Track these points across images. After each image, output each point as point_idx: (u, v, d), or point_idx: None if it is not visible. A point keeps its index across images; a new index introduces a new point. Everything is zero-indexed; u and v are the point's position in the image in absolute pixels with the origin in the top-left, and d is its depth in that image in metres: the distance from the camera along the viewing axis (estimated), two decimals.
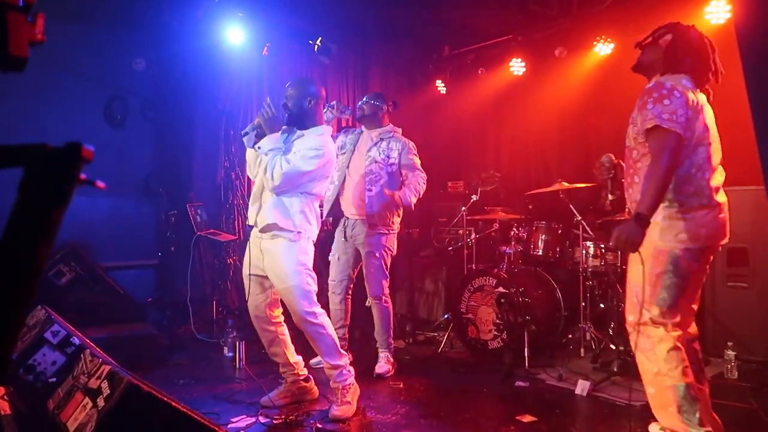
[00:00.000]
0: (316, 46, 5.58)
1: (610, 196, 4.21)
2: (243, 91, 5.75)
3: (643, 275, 2.37)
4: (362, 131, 4.15)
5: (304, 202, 3.06)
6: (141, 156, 5.34)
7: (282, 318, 3.29)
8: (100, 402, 1.77)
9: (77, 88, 4.94)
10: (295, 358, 3.35)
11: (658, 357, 2.42)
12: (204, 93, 5.48)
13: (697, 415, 2.38)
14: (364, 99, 4.23)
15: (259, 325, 3.25)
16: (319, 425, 2.93)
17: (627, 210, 2.78)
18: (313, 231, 3.12)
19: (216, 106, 5.60)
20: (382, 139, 4.01)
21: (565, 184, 4.26)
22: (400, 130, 4.20)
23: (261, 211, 3.08)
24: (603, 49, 5.39)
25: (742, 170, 4.25)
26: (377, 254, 3.87)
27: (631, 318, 2.54)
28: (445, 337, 4.56)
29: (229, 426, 2.90)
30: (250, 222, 3.20)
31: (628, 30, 5.26)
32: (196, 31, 5.11)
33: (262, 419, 3.01)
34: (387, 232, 3.94)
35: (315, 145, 3.02)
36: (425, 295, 5.48)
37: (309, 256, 3.09)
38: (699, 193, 2.46)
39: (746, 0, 1.36)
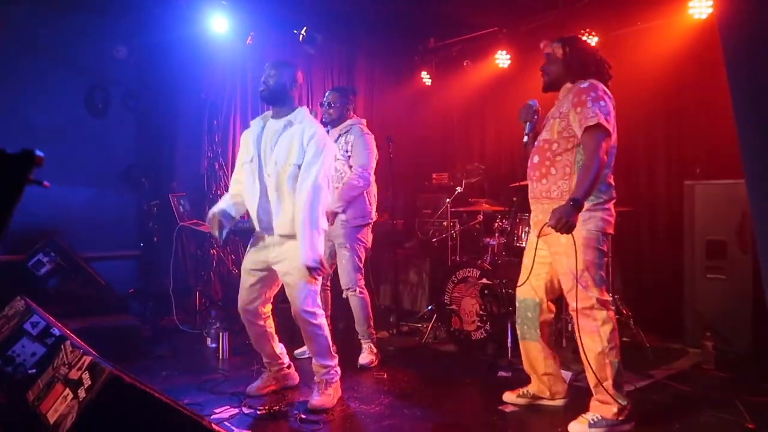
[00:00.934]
0: (301, 36, 5.54)
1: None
2: (227, 80, 5.69)
3: (579, 264, 2.64)
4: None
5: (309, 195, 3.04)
6: (122, 145, 5.27)
7: (269, 311, 3.28)
8: (81, 393, 1.75)
9: (58, 76, 4.85)
10: (279, 349, 3.36)
11: (602, 337, 2.68)
12: (187, 82, 5.42)
13: (624, 388, 2.76)
14: (329, 102, 3.97)
15: (247, 319, 3.23)
16: (303, 416, 2.93)
17: (530, 199, 2.95)
18: (324, 222, 3.09)
19: (199, 96, 5.54)
20: (340, 135, 3.95)
21: None
22: (363, 121, 4.06)
23: (273, 215, 3.02)
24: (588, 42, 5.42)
25: (721, 164, 4.32)
26: (348, 246, 3.86)
27: (575, 305, 2.72)
28: (429, 327, 4.58)
29: (212, 417, 2.89)
30: (259, 229, 3.12)
31: (612, 24, 5.31)
32: (180, 19, 5.04)
33: (245, 410, 3.01)
34: (359, 224, 3.91)
35: (318, 135, 2.99)
36: (409, 286, 5.50)
37: (320, 251, 3.07)
38: (610, 188, 2.78)
39: None
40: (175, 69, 5.30)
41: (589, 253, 2.68)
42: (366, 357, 3.88)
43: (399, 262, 5.44)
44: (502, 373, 3.65)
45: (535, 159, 2.85)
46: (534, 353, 3.03)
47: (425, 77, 6.80)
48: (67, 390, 1.85)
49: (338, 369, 3.20)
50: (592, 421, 2.71)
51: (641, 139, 5.26)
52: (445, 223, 5.30)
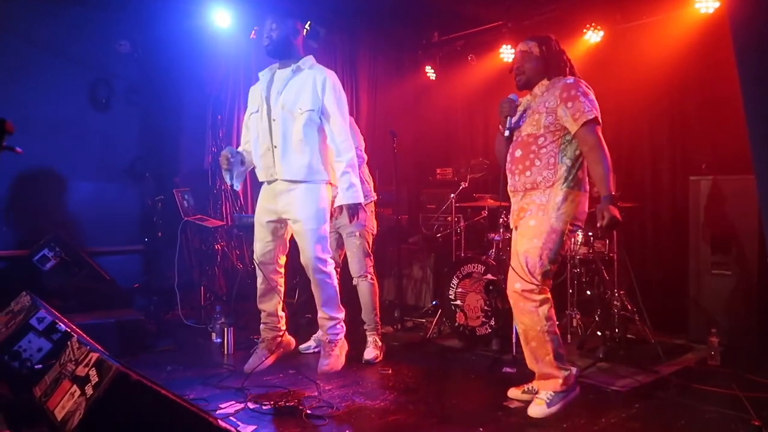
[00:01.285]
0: (305, 30, 5.52)
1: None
2: (230, 75, 5.68)
3: (535, 249, 2.75)
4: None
5: (322, 150, 3.10)
6: (126, 140, 5.27)
7: (283, 268, 3.31)
8: (89, 390, 1.75)
9: (61, 70, 4.85)
10: (281, 312, 3.38)
11: (541, 316, 2.77)
12: (190, 76, 5.41)
13: (565, 357, 2.87)
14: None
15: (262, 271, 3.28)
16: (309, 411, 2.93)
17: (509, 192, 2.98)
18: (333, 176, 3.18)
19: (203, 90, 5.53)
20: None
21: None
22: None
23: (279, 160, 3.08)
24: (593, 36, 5.40)
25: (726, 160, 4.30)
26: (358, 233, 3.88)
27: (518, 285, 2.80)
28: (434, 323, 4.58)
29: (217, 412, 2.89)
30: (264, 178, 3.19)
31: (617, 18, 5.28)
32: (183, 13, 5.03)
33: (251, 405, 3.01)
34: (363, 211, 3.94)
35: (331, 79, 3.12)
36: (414, 282, 5.49)
37: (328, 202, 3.16)
38: (585, 181, 2.85)
39: None
40: (179, 63, 5.28)
41: (549, 243, 2.75)
42: (371, 352, 3.88)
43: (403, 258, 5.44)
44: (506, 369, 3.65)
45: (518, 153, 2.89)
46: None
47: (429, 71, 6.77)
48: (75, 387, 1.86)
49: (343, 325, 3.22)
50: (548, 400, 2.79)
51: (646, 134, 5.24)
52: (449, 219, 5.29)
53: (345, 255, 4.03)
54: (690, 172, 4.55)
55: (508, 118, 2.93)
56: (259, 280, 3.32)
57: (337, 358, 3.11)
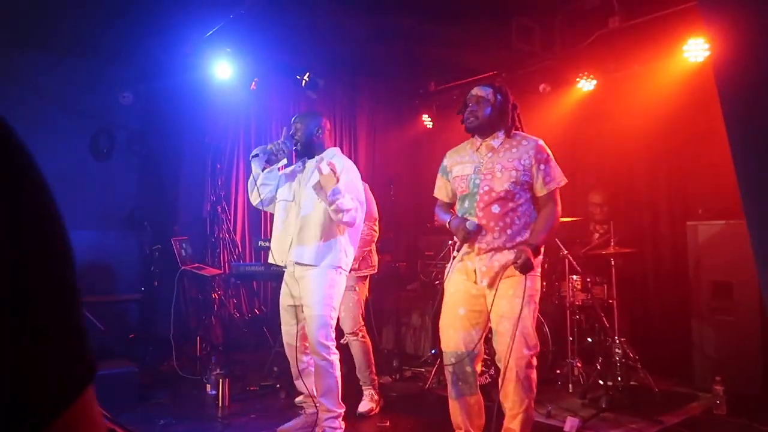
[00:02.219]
0: (304, 81, 5.63)
1: (599, 230, 4.28)
2: (230, 125, 5.77)
3: (533, 312, 2.72)
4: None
5: (338, 234, 3.12)
6: (126, 189, 5.30)
7: None
8: None
9: (63, 120, 4.93)
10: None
11: (533, 384, 2.74)
12: (191, 127, 5.50)
13: None
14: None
15: (291, 354, 3.29)
16: None
17: (479, 249, 2.80)
18: (348, 263, 3.19)
19: (203, 140, 5.61)
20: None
21: None
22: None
23: (294, 245, 3.12)
24: (585, 85, 5.50)
25: (723, 204, 4.31)
26: (355, 287, 3.86)
27: (526, 351, 2.70)
28: (433, 372, 4.49)
29: None
30: (279, 262, 3.21)
31: (609, 67, 5.39)
32: (184, 66, 5.15)
33: None
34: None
35: (347, 165, 3.15)
36: (412, 330, 5.42)
37: (338, 290, 3.14)
38: None
39: (724, 40, 1.40)
40: (180, 114, 5.38)
41: (533, 306, 2.74)
42: (366, 405, 3.79)
43: (402, 305, 5.38)
44: None
45: (495, 209, 2.76)
46: (476, 407, 2.89)
47: (426, 120, 6.88)
48: None
49: (342, 423, 3.14)
50: None
51: (643, 179, 5.27)
52: (447, 265, 5.25)
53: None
54: (688, 217, 4.55)
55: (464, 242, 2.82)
56: (291, 362, 3.31)
57: None
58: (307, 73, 5.66)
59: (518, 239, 2.74)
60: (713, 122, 4.41)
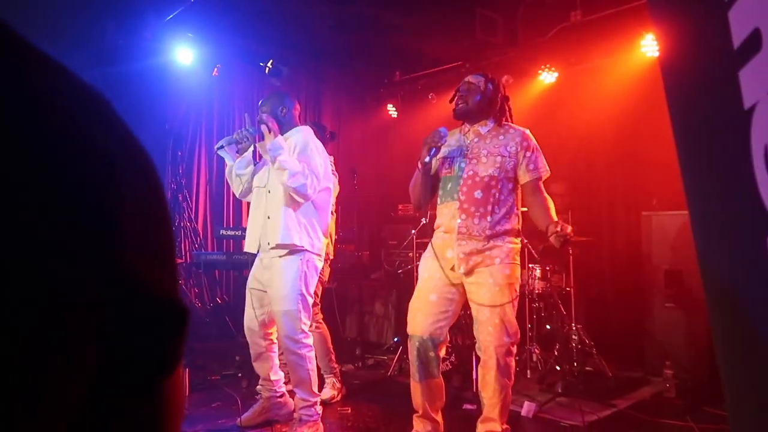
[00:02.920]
0: (267, 68, 5.57)
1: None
2: (192, 112, 5.68)
3: (513, 301, 2.73)
4: None
5: (307, 215, 3.08)
6: None
7: (275, 336, 3.25)
8: None
9: None
10: (276, 376, 3.32)
11: (511, 372, 2.76)
12: (151, 113, 5.37)
13: None
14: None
15: (250, 338, 3.25)
16: None
17: (459, 233, 2.81)
18: (317, 246, 3.14)
19: (163, 127, 5.50)
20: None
21: None
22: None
23: (264, 233, 3.08)
24: (547, 77, 5.60)
25: (679, 196, 4.46)
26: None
27: (507, 339, 2.70)
28: (395, 360, 4.54)
29: None
30: (251, 249, 3.17)
31: (571, 59, 5.49)
32: (144, 50, 5.03)
33: None
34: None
35: (306, 140, 3.09)
36: (375, 318, 5.46)
37: (309, 280, 3.08)
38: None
39: (670, 35, 1.45)
40: (139, 100, 5.24)
41: (513, 294, 2.76)
42: (327, 392, 3.82)
43: (365, 294, 5.41)
44: (467, 406, 3.63)
45: (478, 194, 2.76)
46: (436, 390, 2.90)
47: (391, 110, 6.89)
48: None
49: (320, 408, 3.15)
50: None
51: (601, 171, 5.40)
52: (410, 254, 5.30)
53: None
54: (643, 207, 4.69)
55: (433, 149, 2.80)
56: (250, 344, 3.29)
57: None
58: (271, 60, 5.60)
59: (498, 228, 2.73)
60: (668, 116, 4.55)
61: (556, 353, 4.13)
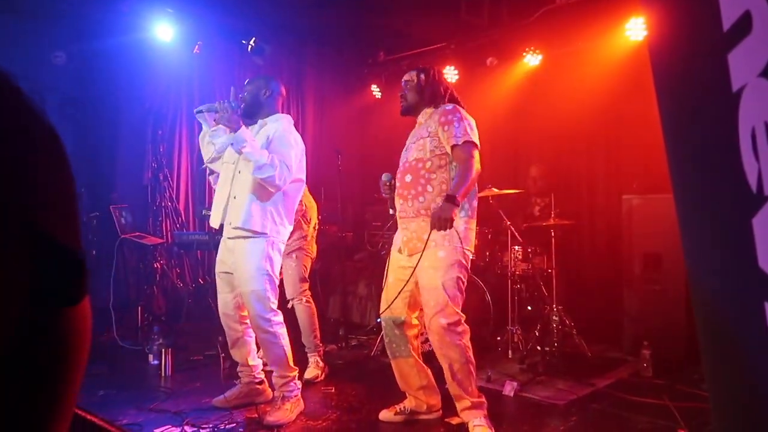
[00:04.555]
0: (250, 47, 5.49)
1: (539, 203, 4.41)
2: (172, 89, 5.57)
3: (452, 280, 2.76)
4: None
5: (274, 201, 3.05)
6: None
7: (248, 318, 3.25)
8: None
9: None
10: (254, 361, 3.32)
11: (464, 348, 2.81)
12: (130, 91, 5.27)
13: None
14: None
15: (226, 323, 3.26)
16: None
17: (396, 215, 3.04)
18: (282, 233, 3.12)
19: (143, 105, 5.40)
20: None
21: (495, 190, 4.37)
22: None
23: (228, 210, 3.07)
24: (531, 60, 5.59)
25: (657, 179, 4.52)
26: (294, 255, 3.91)
27: (443, 320, 2.76)
28: (378, 341, 4.56)
29: None
30: (214, 225, 3.15)
31: (555, 42, 5.49)
32: (123, 26, 4.91)
33: (188, 429, 2.91)
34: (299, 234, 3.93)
35: (283, 129, 3.10)
36: (358, 299, 5.47)
37: (272, 261, 3.08)
38: (475, 208, 2.94)
39: (660, 18, 1.45)
40: (118, 76, 5.14)
41: (462, 271, 2.81)
42: (311, 371, 3.84)
43: (348, 275, 5.42)
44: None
45: (408, 178, 2.92)
46: (407, 369, 3.04)
47: (375, 90, 6.84)
48: None
49: (298, 382, 3.17)
50: (482, 423, 2.81)
51: (583, 153, 5.44)
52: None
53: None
54: (624, 190, 4.74)
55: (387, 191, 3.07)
56: (226, 331, 3.27)
57: (286, 412, 3.05)
58: (253, 38, 5.51)
59: (433, 205, 2.79)
60: (650, 99, 4.58)
61: (537, 334, 4.19)
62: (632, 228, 4.49)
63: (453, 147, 2.81)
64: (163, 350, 3.93)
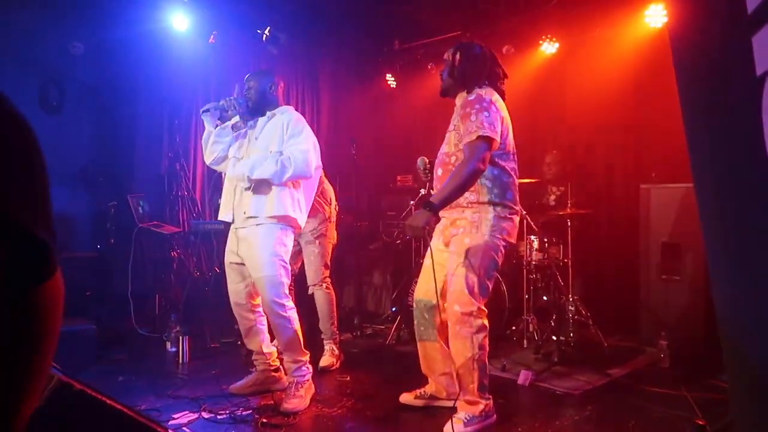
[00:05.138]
0: (265, 36, 5.49)
1: (555, 192, 4.37)
2: (188, 79, 5.59)
3: (474, 268, 2.70)
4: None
5: (290, 187, 3.09)
6: (78, 144, 5.11)
7: (261, 308, 3.29)
8: None
9: (8, 71, 4.67)
10: (269, 349, 3.36)
11: (474, 344, 2.73)
12: (147, 80, 5.30)
13: (487, 388, 2.83)
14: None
15: (238, 313, 3.29)
16: (264, 420, 2.90)
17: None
18: (299, 220, 3.17)
19: (159, 94, 5.43)
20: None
21: None
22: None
23: (239, 203, 3.11)
24: (548, 48, 5.52)
25: (675, 169, 4.46)
26: (316, 242, 3.91)
27: (457, 307, 2.73)
28: (393, 329, 4.58)
29: (170, 423, 2.83)
30: (224, 218, 3.19)
31: (572, 30, 5.41)
32: (140, 16, 4.93)
33: (205, 415, 2.95)
34: (320, 220, 3.92)
35: (295, 119, 3.14)
36: (373, 288, 5.49)
37: (286, 247, 3.13)
38: (516, 197, 2.85)
39: (681, 4, 1.42)
40: (135, 66, 5.17)
41: (486, 261, 2.73)
42: (327, 359, 3.87)
43: (363, 264, 5.43)
44: None
45: (439, 172, 2.89)
46: (432, 353, 3.03)
47: (390, 79, 6.81)
48: None
49: (309, 366, 3.21)
50: (466, 419, 2.77)
51: (600, 143, 5.38)
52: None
53: (303, 262, 4.02)
54: (641, 180, 4.69)
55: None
56: (239, 321, 3.31)
57: (301, 399, 3.09)
58: (268, 28, 5.51)
59: (462, 200, 2.75)
60: (669, 88, 4.51)
61: (552, 324, 4.17)
62: (650, 218, 4.44)
63: (465, 144, 2.68)
64: (181, 338, 3.98)
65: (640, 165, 5.05)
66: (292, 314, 3.12)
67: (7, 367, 0.34)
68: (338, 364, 3.90)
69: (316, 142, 3.21)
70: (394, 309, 5.00)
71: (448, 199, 2.62)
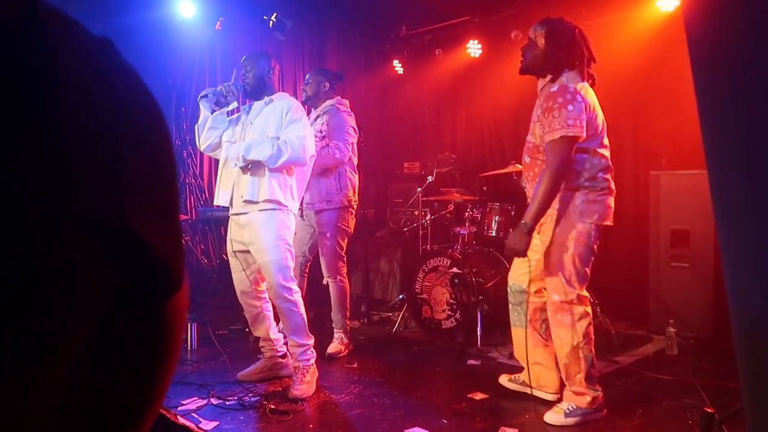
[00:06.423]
0: (271, 22, 5.45)
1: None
2: (195, 66, 5.57)
3: (568, 256, 2.66)
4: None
5: (284, 173, 3.09)
6: None
7: (267, 294, 3.30)
8: None
9: None
10: (276, 335, 3.38)
11: (578, 332, 2.69)
12: (153, 67, 5.28)
13: (596, 379, 2.78)
14: (307, 78, 4.10)
15: (244, 301, 3.31)
16: (273, 406, 2.91)
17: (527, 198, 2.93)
18: (295, 204, 3.19)
19: (166, 82, 5.41)
20: (319, 116, 3.96)
21: (519, 166, 4.30)
22: (344, 102, 4.07)
23: (237, 186, 3.10)
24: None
25: (686, 155, 4.41)
26: (328, 234, 3.86)
27: (556, 297, 2.70)
28: (400, 317, 4.59)
29: (179, 409, 2.85)
30: (222, 203, 3.18)
31: (582, 14, 5.34)
32: (145, 3, 4.91)
33: (213, 401, 2.97)
34: (337, 208, 3.88)
35: (294, 106, 3.14)
36: (380, 276, 5.49)
37: (290, 230, 3.15)
38: (608, 178, 2.76)
39: None
40: (141, 53, 5.14)
41: (579, 247, 2.67)
42: (335, 347, 3.88)
43: (370, 252, 5.43)
44: (471, 362, 3.69)
45: (527, 159, 2.84)
46: (521, 340, 2.97)
47: (397, 65, 6.76)
48: None
49: (313, 351, 3.22)
50: (567, 411, 2.72)
51: (610, 128, 5.24)
52: (416, 212, 5.30)
53: (317, 249, 4.00)
54: (651, 166, 4.65)
55: None
56: (245, 308, 3.33)
57: (308, 384, 3.11)
58: (275, 14, 5.47)
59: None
60: (680, 72, 4.46)
61: None
62: (660, 204, 4.40)
63: (546, 144, 2.60)
64: (189, 324, 4.00)
65: (650, 151, 5.00)
66: (298, 298, 3.15)
67: (122, 394, 0.31)
68: (346, 351, 3.92)
69: (313, 132, 3.23)
70: (401, 296, 5.00)
71: (540, 212, 2.61)
